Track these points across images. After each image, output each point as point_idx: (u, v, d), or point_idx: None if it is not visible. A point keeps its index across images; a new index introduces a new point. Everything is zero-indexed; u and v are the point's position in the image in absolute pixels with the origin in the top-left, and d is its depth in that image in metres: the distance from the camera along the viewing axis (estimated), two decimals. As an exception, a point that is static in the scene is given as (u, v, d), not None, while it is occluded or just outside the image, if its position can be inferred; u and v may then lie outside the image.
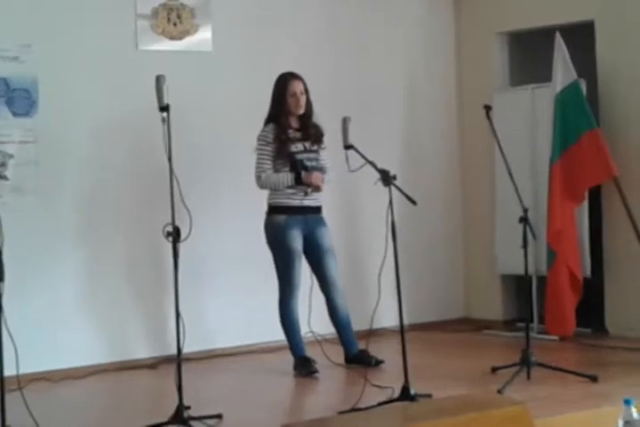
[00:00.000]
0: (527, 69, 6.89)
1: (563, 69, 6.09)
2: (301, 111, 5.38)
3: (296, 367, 5.37)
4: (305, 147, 5.38)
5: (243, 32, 6.17)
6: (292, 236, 5.31)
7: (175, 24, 5.94)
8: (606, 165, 5.92)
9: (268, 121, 5.39)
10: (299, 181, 5.27)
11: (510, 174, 5.04)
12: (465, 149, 7.08)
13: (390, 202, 4.49)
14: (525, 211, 5.00)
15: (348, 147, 4.97)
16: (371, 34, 6.67)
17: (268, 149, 5.32)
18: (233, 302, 5.97)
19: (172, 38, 5.94)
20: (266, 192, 5.40)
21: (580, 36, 6.35)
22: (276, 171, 5.31)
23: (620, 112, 6.18)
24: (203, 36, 6.04)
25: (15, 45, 5.38)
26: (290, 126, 5.36)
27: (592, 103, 6.14)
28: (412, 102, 6.90)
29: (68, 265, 5.52)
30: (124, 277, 5.71)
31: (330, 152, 5.46)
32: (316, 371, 5.29)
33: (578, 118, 6.02)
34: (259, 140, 5.35)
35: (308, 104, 5.40)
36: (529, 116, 6.50)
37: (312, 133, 5.38)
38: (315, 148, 5.40)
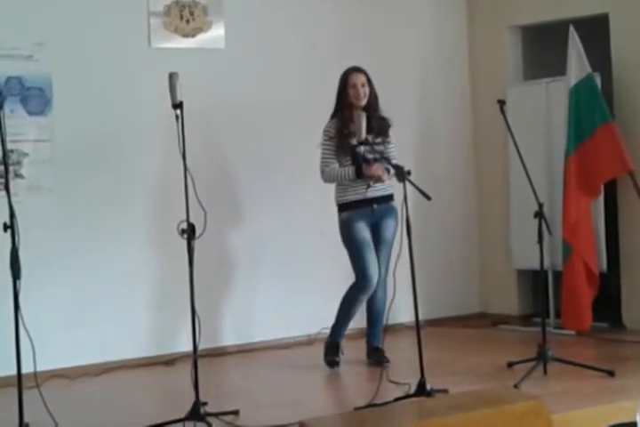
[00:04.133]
0: (541, 63, 6.86)
1: (577, 63, 6.06)
2: (363, 103, 5.32)
3: (325, 350, 5.45)
4: (367, 140, 5.29)
5: (256, 29, 6.17)
6: (359, 228, 5.29)
7: (188, 21, 5.95)
8: (622, 159, 5.90)
9: (333, 116, 5.39)
10: (360, 174, 5.24)
11: (525, 169, 5.02)
12: (479, 143, 7.06)
13: (405, 198, 4.48)
14: (540, 205, 4.98)
15: (361, 143, 4.97)
16: (383, 28, 6.65)
17: (330, 143, 5.31)
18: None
19: (185, 36, 5.95)
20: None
21: (595, 30, 6.32)
22: (342, 166, 5.29)
23: (636, 105, 6.15)
24: (215, 34, 6.04)
25: (29, 44, 5.39)
26: (351, 120, 5.28)
27: (607, 96, 6.11)
28: (425, 97, 6.89)
29: (84, 262, 5.53)
30: (142, 274, 5.72)
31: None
32: (337, 363, 5.36)
33: (593, 112, 5.99)
34: (323, 135, 5.36)
35: (372, 97, 5.37)
36: (543, 110, 6.48)
37: (375, 126, 5.30)
38: (379, 140, 5.31)
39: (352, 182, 5.28)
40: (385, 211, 5.36)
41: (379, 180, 5.23)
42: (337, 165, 5.29)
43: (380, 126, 5.35)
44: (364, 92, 5.33)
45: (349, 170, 5.25)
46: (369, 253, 5.29)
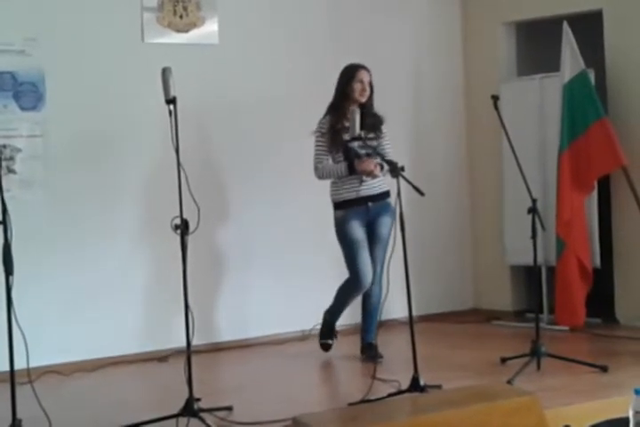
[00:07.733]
0: (535, 59, 6.87)
1: (571, 59, 6.06)
2: (364, 99, 5.34)
3: (321, 329, 5.62)
4: (360, 135, 5.25)
5: (249, 25, 6.16)
6: (353, 227, 5.31)
7: (181, 16, 5.93)
8: (615, 155, 5.90)
9: (328, 111, 5.41)
10: (352, 170, 5.25)
11: (519, 165, 5.02)
12: (473, 139, 7.06)
13: (398, 193, 4.48)
14: (534, 201, 4.98)
15: (355, 138, 4.96)
16: (377, 24, 6.65)
17: (323, 139, 5.34)
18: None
19: (179, 31, 5.93)
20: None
21: (588, 26, 6.32)
22: (335, 162, 5.32)
23: (629, 101, 6.16)
24: (209, 29, 6.02)
25: (21, 39, 5.37)
26: (347, 115, 5.28)
27: (600, 93, 6.12)
28: (419, 93, 6.89)
29: (78, 257, 5.52)
30: (135, 269, 5.71)
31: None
32: (330, 347, 5.53)
33: (586, 108, 5.99)
34: (316, 131, 5.38)
35: (371, 95, 5.40)
36: (537, 106, 6.48)
37: (369, 122, 5.30)
38: (371, 135, 5.32)
39: (345, 178, 5.29)
40: (380, 208, 5.36)
41: (371, 175, 5.24)
42: (330, 162, 5.31)
43: (373, 123, 5.37)
44: (369, 90, 5.37)
45: (342, 166, 5.27)
46: (363, 252, 5.31)
